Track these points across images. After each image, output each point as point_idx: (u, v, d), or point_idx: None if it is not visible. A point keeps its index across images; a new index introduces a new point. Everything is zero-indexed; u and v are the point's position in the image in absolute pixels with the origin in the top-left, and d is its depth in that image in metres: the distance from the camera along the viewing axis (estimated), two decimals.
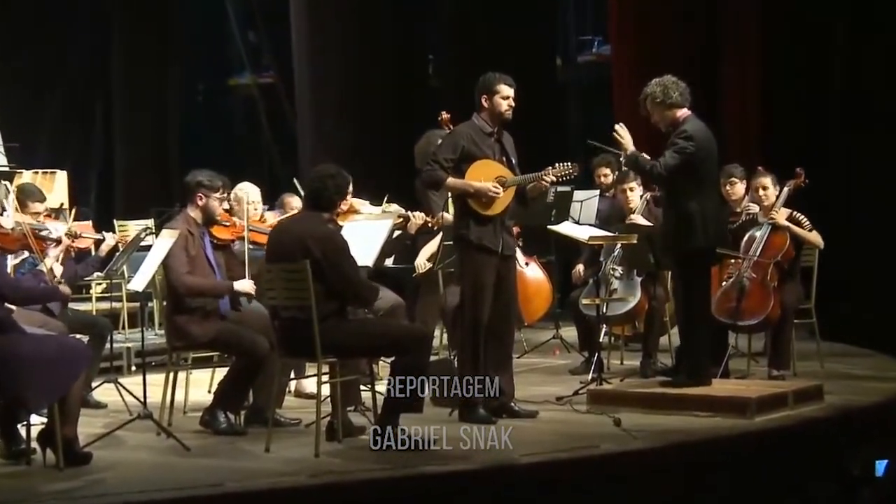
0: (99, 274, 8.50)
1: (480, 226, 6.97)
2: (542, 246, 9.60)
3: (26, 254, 7.26)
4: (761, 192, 8.34)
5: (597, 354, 7.93)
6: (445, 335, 8.86)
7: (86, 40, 15.73)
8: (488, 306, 6.95)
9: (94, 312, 9.55)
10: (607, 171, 9.62)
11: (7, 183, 9.36)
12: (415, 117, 11.10)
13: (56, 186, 11.36)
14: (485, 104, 7.06)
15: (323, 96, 13.78)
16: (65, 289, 6.81)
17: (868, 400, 7.54)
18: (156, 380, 7.12)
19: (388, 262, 8.25)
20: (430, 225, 7.96)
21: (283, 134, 15.68)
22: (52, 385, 5.85)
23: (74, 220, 9.39)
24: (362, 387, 7.06)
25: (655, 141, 7.61)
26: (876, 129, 10.63)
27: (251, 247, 7.28)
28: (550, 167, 7.05)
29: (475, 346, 6.96)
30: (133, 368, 9.29)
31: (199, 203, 7.08)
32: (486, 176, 6.96)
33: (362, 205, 8.27)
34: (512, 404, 7.07)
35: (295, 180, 8.84)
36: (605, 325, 8.67)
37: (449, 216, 7.89)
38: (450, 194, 7.50)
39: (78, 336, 7.29)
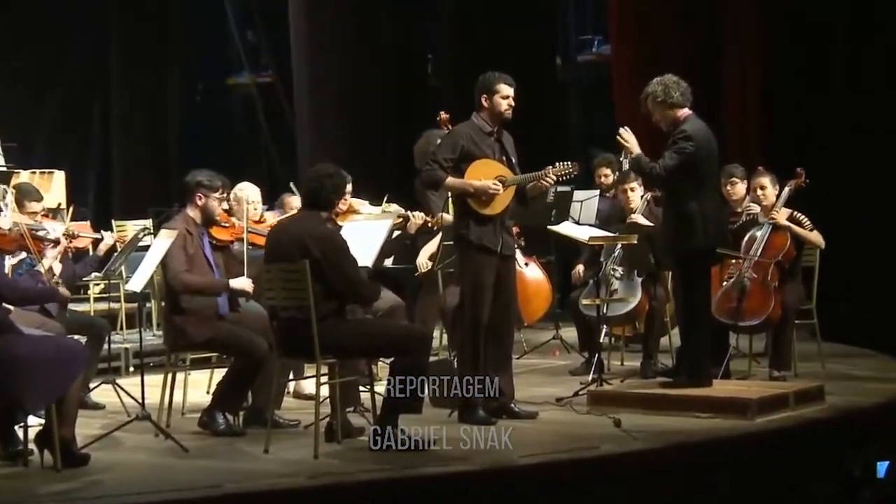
0: (97, 274, 8.49)
1: (480, 226, 6.95)
2: (542, 246, 9.60)
3: (24, 254, 7.24)
4: (760, 191, 8.33)
5: (597, 355, 7.92)
6: (445, 336, 8.84)
7: (85, 40, 15.72)
8: (488, 306, 6.94)
9: (92, 313, 9.54)
10: (608, 171, 9.61)
11: (4, 186, 9.34)
12: (414, 117, 11.08)
13: (54, 186, 11.33)
14: (484, 104, 7.04)
15: (322, 96, 13.77)
16: (64, 291, 6.81)
17: (869, 401, 7.53)
18: (154, 381, 7.11)
19: (388, 262, 8.23)
20: (429, 225, 7.95)
21: (282, 134, 15.67)
22: (49, 386, 5.84)
23: (72, 219, 9.36)
24: (361, 388, 7.04)
25: (656, 141, 7.60)
26: (876, 129, 10.62)
27: (251, 248, 7.26)
28: (550, 167, 7.04)
29: (475, 347, 6.94)
30: (131, 369, 9.27)
31: (199, 203, 7.07)
32: (485, 175, 6.95)
33: (362, 205, 8.26)
34: (512, 405, 7.05)
35: (292, 184, 8.84)
36: (605, 326, 8.65)
37: (448, 216, 7.88)
38: (449, 194, 7.48)
39: (76, 337, 7.27)
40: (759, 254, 8.14)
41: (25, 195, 8.05)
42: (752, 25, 11.40)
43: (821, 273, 8.48)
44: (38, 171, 11.44)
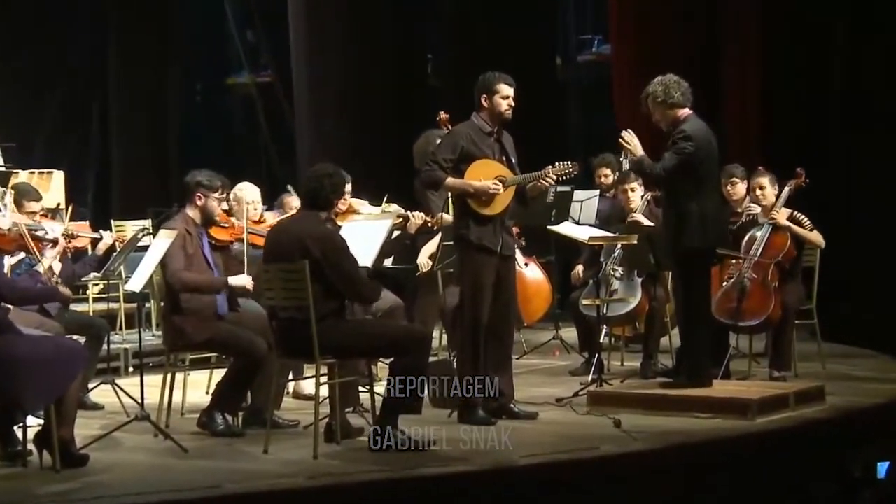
0: (96, 274, 8.48)
1: (480, 226, 6.95)
2: (542, 246, 9.59)
3: (23, 254, 7.24)
4: (759, 191, 8.32)
5: (597, 355, 7.91)
6: (445, 336, 8.83)
7: (85, 40, 15.70)
8: (488, 306, 6.93)
9: (91, 313, 9.52)
10: (608, 171, 9.61)
11: (3, 189, 9.33)
12: (414, 117, 11.07)
13: (53, 186, 11.32)
14: (484, 104, 7.04)
15: (322, 96, 13.76)
16: (65, 290, 6.80)
17: (869, 401, 7.52)
18: (153, 381, 7.10)
19: (388, 262, 8.22)
20: (429, 225, 7.94)
21: (281, 134, 15.65)
22: (48, 386, 5.83)
23: (71, 219, 9.35)
24: (361, 388, 7.04)
25: (656, 141, 7.59)
26: (876, 129, 10.62)
27: (250, 248, 7.25)
28: (550, 167, 7.03)
29: (475, 347, 6.93)
30: (130, 370, 9.26)
31: (198, 203, 7.06)
32: (485, 175, 6.94)
33: (361, 205, 8.26)
34: (511, 405, 7.05)
35: (289, 187, 8.83)
36: (605, 326, 8.65)
37: (448, 216, 7.87)
38: (449, 194, 7.47)
39: (75, 337, 7.26)
40: (759, 254, 8.13)
41: (24, 195, 8.04)
42: (752, 25, 11.40)
43: (821, 273, 8.48)
44: (37, 171, 11.43)
